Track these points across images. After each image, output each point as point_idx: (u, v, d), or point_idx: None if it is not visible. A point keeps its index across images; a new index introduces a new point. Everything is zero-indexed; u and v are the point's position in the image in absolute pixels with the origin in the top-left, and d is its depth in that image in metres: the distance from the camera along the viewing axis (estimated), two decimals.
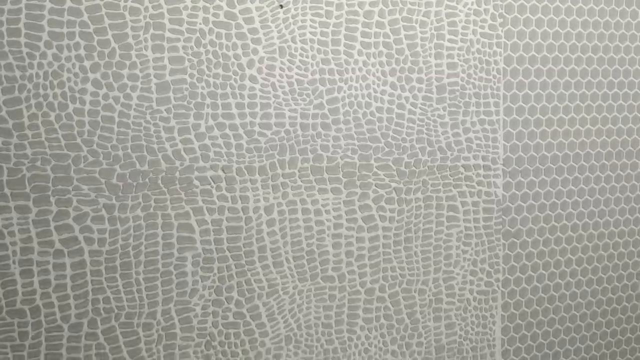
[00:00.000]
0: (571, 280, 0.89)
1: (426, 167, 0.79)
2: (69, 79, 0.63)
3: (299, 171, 0.73)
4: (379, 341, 0.79)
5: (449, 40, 0.78)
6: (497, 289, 0.84)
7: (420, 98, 0.77)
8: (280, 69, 0.71)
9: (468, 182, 0.81)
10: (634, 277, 0.93)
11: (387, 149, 0.77)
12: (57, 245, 0.64)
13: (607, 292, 0.91)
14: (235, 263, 0.72)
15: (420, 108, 0.78)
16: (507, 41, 0.81)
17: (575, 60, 0.85)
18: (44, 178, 0.63)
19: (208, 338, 0.71)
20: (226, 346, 0.72)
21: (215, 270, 0.71)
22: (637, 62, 0.89)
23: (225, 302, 0.71)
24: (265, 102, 0.71)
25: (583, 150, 0.87)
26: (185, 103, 0.68)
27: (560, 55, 0.84)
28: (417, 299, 0.80)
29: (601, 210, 0.89)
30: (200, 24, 0.67)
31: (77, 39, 0.63)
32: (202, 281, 0.70)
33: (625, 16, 0.88)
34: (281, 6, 0.69)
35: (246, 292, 0.72)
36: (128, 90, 0.65)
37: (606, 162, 0.89)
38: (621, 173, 0.90)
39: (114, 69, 0.65)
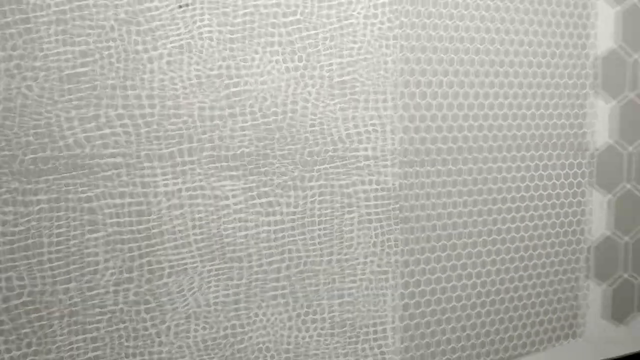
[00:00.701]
0: (466, 261, 0.97)
1: (325, 157, 0.86)
2: None
3: (203, 158, 0.79)
4: (284, 317, 0.85)
5: (347, 41, 0.85)
6: (396, 268, 0.92)
7: (319, 93, 0.84)
8: (187, 63, 0.76)
9: (366, 171, 0.88)
10: (507, 262, 1.02)
11: (288, 139, 0.83)
12: None
13: (499, 273, 1.00)
14: (145, 243, 0.77)
15: (320, 102, 0.84)
16: (402, 42, 0.89)
17: (466, 61, 0.94)
18: None
19: (114, 314, 0.76)
20: (135, 323, 0.77)
21: (126, 250, 0.76)
22: (516, 63, 0.99)
23: (136, 280, 0.77)
24: (171, 93, 0.76)
25: (475, 143, 0.96)
26: (85, 94, 0.73)
27: (453, 56, 0.93)
28: (321, 277, 0.87)
29: (493, 199, 0.98)
30: (106, 20, 0.72)
31: None
32: (112, 260, 0.75)
33: (507, 12, 0.97)
34: (180, 6, 0.75)
35: (155, 270, 0.77)
36: (29, 82, 0.70)
37: (497, 154, 0.98)
38: (511, 165, 0.99)
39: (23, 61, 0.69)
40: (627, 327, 1.17)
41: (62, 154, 0.72)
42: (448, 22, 0.92)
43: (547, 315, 1.07)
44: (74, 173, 0.72)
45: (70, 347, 0.74)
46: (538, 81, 1.00)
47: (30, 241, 0.71)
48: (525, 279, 1.03)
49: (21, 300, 0.71)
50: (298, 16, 0.82)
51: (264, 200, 0.83)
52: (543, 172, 1.03)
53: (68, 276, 0.73)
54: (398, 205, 0.91)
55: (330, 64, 0.84)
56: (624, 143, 1.12)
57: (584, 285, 1.10)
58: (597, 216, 1.11)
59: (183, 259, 0.79)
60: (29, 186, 0.70)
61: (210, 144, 0.79)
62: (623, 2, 1.08)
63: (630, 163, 1.14)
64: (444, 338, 0.97)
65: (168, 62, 0.75)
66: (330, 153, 0.86)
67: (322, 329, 0.88)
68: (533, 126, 1.01)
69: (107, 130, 0.73)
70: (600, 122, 1.09)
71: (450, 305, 0.97)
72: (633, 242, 1.16)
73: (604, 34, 1.07)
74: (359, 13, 0.86)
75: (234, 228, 0.81)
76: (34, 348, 0.73)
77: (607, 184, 1.11)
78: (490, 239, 0.99)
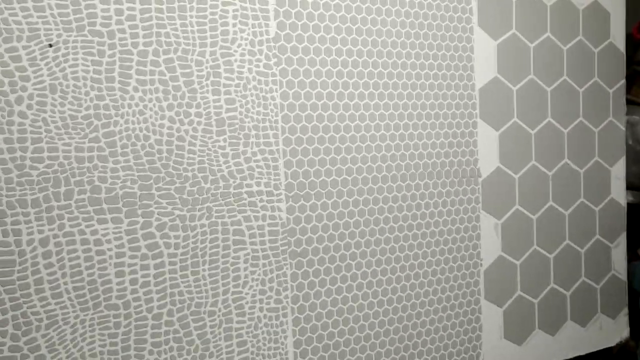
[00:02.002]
0: (357, 293, 0.98)
1: (210, 195, 0.84)
2: None
3: (75, 202, 0.75)
4: None
5: (226, 78, 0.85)
6: (286, 305, 0.91)
7: (200, 130, 0.83)
8: (52, 104, 0.74)
9: (252, 207, 0.88)
10: (407, 289, 1.04)
11: (168, 179, 0.81)
12: None
13: (392, 302, 1.01)
14: (9, 297, 0.72)
15: (201, 140, 0.83)
16: (282, 78, 0.90)
17: (347, 95, 0.96)
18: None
19: None
20: None
21: None
22: (403, 95, 1.02)
23: (0, 337, 0.71)
24: (36, 136, 0.73)
25: (360, 175, 0.98)
26: None
27: (333, 92, 0.95)
28: (207, 320, 0.85)
29: (381, 228, 1.00)
30: None
31: None
32: None
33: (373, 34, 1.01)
34: (50, 45, 0.73)
35: (22, 325, 0.73)
36: None
37: (382, 185, 1.00)
38: (395, 194, 1.02)
39: None
40: (526, 347, 1.21)
41: None
42: (326, 57, 0.94)
43: (451, 339, 1.09)
44: None
45: None
46: (427, 112, 1.04)
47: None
48: (427, 304, 1.05)
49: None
50: (172, 54, 0.81)
51: (144, 242, 0.80)
52: (438, 199, 1.07)
53: None
54: (286, 241, 0.91)
55: (213, 101, 0.84)
56: (509, 169, 1.18)
57: (482, 307, 1.13)
58: (489, 239, 1.15)
59: (54, 310, 0.74)
60: None
61: (86, 187, 0.75)
62: (502, 35, 1.15)
63: (517, 187, 1.20)
64: None
65: (29, 105, 0.72)
66: (218, 190, 0.85)
67: None
68: (425, 155, 1.04)
69: None
70: (488, 149, 1.14)
71: (344, 339, 0.97)
72: (520, 263, 1.21)
73: (485, 65, 1.13)
74: (236, 51, 0.86)
75: (110, 274, 0.78)
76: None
77: (495, 208, 1.16)
78: (383, 268, 1.00)
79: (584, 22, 1.29)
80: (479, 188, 1.13)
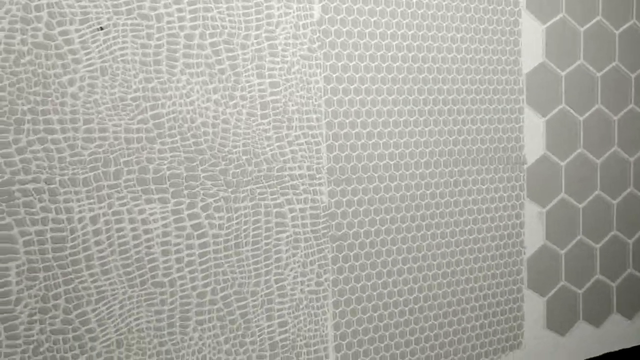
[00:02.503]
0: (398, 278, 0.98)
1: (253, 177, 0.85)
2: None
3: (124, 182, 0.78)
4: (212, 341, 0.84)
5: (270, 62, 0.86)
6: (327, 287, 0.92)
7: (245, 114, 0.84)
8: (103, 86, 0.76)
9: (294, 190, 0.89)
10: (449, 275, 1.03)
11: (213, 160, 0.83)
12: None
13: (432, 288, 1.01)
14: (62, 272, 0.75)
15: (245, 123, 0.84)
16: (325, 62, 0.90)
17: (391, 79, 0.95)
18: None
19: (35, 344, 0.74)
20: (55, 352, 0.75)
21: (41, 279, 0.74)
22: (448, 79, 1.01)
23: (52, 310, 0.74)
24: (87, 117, 0.75)
25: (402, 160, 0.97)
26: (5, 119, 0.71)
27: (376, 75, 0.94)
28: (249, 300, 0.86)
29: (423, 214, 0.99)
30: (18, 44, 0.71)
31: None
32: (27, 290, 0.73)
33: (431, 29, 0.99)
34: (101, 28, 0.75)
35: (74, 299, 0.75)
36: None
37: (425, 170, 0.99)
38: (438, 180, 1.01)
39: None
40: (569, 337, 1.19)
41: None
42: (370, 40, 0.94)
43: (492, 327, 1.08)
44: None
45: None
46: (472, 97, 1.03)
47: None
48: (468, 291, 1.04)
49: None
50: (218, 38, 0.82)
51: (189, 223, 0.82)
52: (482, 186, 1.05)
53: None
54: (327, 224, 0.91)
55: (257, 84, 0.85)
56: (556, 156, 1.15)
57: (524, 296, 1.12)
58: (533, 228, 1.13)
59: (103, 285, 0.77)
60: None
61: (134, 167, 0.78)
62: (550, 19, 1.12)
63: (563, 175, 1.17)
64: (378, 356, 0.97)
65: (81, 87, 0.74)
66: (261, 172, 0.86)
67: (260, 350, 0.87)
68: (470, 141, 1.03)
69: (27, 155, 0.72)
70: (534, 135, 1.12)
71: (383, 323, 0.97)
72: (565, 253, 1.19)
73: (532, 49, 1.10)
74: (280, 34, 0.86)
75: (156, 253, 0.80)
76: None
77: (540, 196, 1.13)
78: (424, 254, 1.00)
79: (639, 4, 1.24)
80: (524, 175, 1.11)
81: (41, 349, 0.74)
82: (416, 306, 1.00)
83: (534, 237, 1.13)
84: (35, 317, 0.73)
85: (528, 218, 1.12)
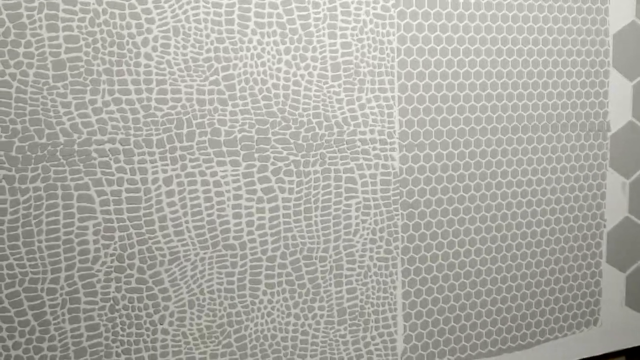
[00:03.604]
0: (470, 248, 0.94)
1: (323, 141, 0.84)
2: None
3: (196, 144, 0.77)
4: (281, 305, 0.84)
5: (342, 21, 0.83)
6: (396, 255, 0.90)
7: (316, 75, 0.82)
8: (175, 47, 0.75)
9: (365, 155, 0.86)
10: (523, 247, 0.99)
11: (284, 124, 0.81)
12: None
13: (506, 260, 0.97)
14: (136, 232, 0.76)
15: (316, 85, 0.82)
16: (399, 21, 0.86)
17: (468, 39, 0.91)
18: None
19: (112, 302, 0.76)
20: (130, 310, 0.76)
21: (117, 239, 0.75)
22: (529, 40, 0.95)
23: (128, 269, 0.76)
24: (161, 78, 0.75)
25: (479, 125, 0.93)
26: (81, 79, 0.72)
27: (453, 35, 0.89)
28: (318, 265, 0.85)
29: (498, 183, 0.95)
30: (93, 4, 0.71)
31: None
32: (103, 249, 0.74)
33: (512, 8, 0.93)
34: None
35: (148, 260, 0.77)
36: (24, 68, 0.69)
37: (502, 137, 0.95)
38: (515, 147, 0.96)
39: (9, 47, 0.68)
40: None
41: (58, 140, 0.71)
42: None
43: (567, 302, 1.04)
44: (69, 159, 0.72)
45: (66, 334, 0.74)
46: (554, 59, 0.96)
47: (20, 230, 0.71)
48: (543, 264, 1.00)
49: (23, 287, 0.71)
50: None
51: (260, 186, 0.81)
52: (562, 154, 1.00)
53: (66, 264, 0.73)
54: (398, 191, 0.89)
55: (328, 45, 0.82)
56: None
57: (602, 271, 1.06)
58: (615, 199, 1.06)
59: (176, 247, 0.78)
60: (25, 173, 0.70)
61: (206, 129, 0.77)
62: None
63: None
64: (447, 327, 0.94)
65: (154, 47, 0.74)
66: (332, 136, 0.84)
67: (329, 316, 0.86)
68: (550, 105, 0.97)
69: (103, 116, 0.72)
70: (620, 100, 1.04)
71: (453, 293, 0.94)
72: None
73: (621, 6, 1.02)
74: None
75: (227, 215, 0.80)
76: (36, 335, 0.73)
77: (624, 166, 1.07)
78: (498, 224, 0.96)
79: None
80: (607, 143, 1.04)
81: (117, 307, 0.76)
82: (488, 277, 0.96)
83: (615, 209, 1.07)
84: (111, 276, 0.75)
85: (610, 189, 1.06)
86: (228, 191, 0.79)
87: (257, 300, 0.82)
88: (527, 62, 0.95)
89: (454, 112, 0.91)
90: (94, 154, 0.73)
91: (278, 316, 0.84)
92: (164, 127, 0.75)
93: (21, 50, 0.69)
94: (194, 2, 0.75)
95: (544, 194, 0.99)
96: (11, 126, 0.69)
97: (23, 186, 0.70)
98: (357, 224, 0.87)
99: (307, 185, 0.83)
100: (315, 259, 0.85)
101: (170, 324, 0.78)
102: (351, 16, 0.83)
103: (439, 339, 0.94)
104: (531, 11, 0.95)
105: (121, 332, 0.76)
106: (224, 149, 0.79)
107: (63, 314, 0.74)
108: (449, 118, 0.91)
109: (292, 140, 0.82)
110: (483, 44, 0.92)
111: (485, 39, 0.92)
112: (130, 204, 0.75)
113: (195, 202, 0.78)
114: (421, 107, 0.89)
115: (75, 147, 0.72)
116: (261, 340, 0.83)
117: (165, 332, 0.78)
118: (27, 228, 0.71)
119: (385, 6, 0.85)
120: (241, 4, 0.78)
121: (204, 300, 0.79)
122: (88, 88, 0.72)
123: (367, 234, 0.87)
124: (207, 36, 0.76)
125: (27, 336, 0.72)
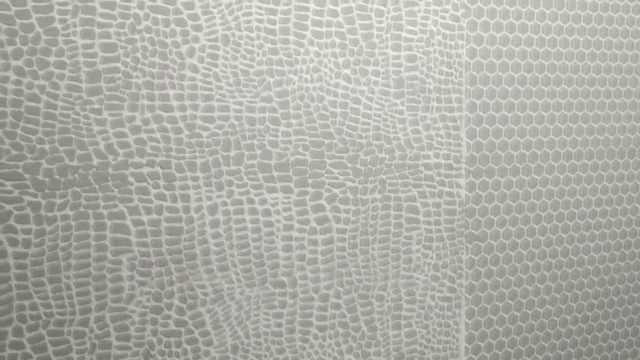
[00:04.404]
0: (539, 285, 0.84)
1: (383, 165, 0.74)
2: None
3: (245, 168, 0.68)
4: (333, 350, 0.74)
5: (408, 31, 0.74)
6: (460, 294, 0.80)
7: (377, 92, 0.73)
8: (224, 58, 0.66)
9: (429, 182, 0.77)
10: (605, 283, 0.89)
11: (341, 146, 0.72)
12: None
13: (577, 299, 0.87)
14: (176, 267, 0.67)
15: (377, 102, 0.73)
16: (469, 33, 0.77)
17: (542, 54, 0.82)
18: None
19: (146, 347, 0.66)
20: (166, 355, 0.67)
21: (154, 275, 0.66)
22: (607, 55, 0.86)
23: (165, 309, 0.66)
24: (207, 93, 0.66)
25: (552, 149, 0.83)
26: (118, 93, 0.63)
27: (526, 49, 0.81)
28: (375, 305, 0.76)
29: (570, 213, 0.85)
30: (134, 8, 0.63)
31: None
32: (139, 286, 0.65)
33: (596, 8, 0.84)
34: None
35: (188, 299, 0.67)
36: (55, 79, 0.60)
37: (576, 162, 0.85)
38: (592, 174, 0.86)
39: (39, 55, 0.60)
40: None
41: (91, 163, 0.62)
42: (521, 8, 0.80)
43: None
44: (103, 184, 0.63)
45: None
46: (633, 77, 0.87)
47: (45, 264, 0.62)
48: (616, 303, 0.90)
49: (47, 330, 0.62)
50: (351, 2, 0.71)
51: (313, 215, 0.72)
52: (638, 182, 0.90)
53: (97, 303, 0.64)
54: (464, 222, 0.79)
55: (392, 57, 0.73)
56: None
57: None
58: None
59: (219, 284, 0.68)
60: (53, 200, 0.61)
61: (256, 151, 0.68)
62: None
63: None
64: None
65: (200, 58, 0.65)
66: (392, 160, 0.74)
67: None
68: (627, 129, 0.87)
69: (142, 135, 0.63)
70: None
71: (520, 337, 0.84)
72: None
73: None
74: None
75: (277, 248, 0.70)
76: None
77: None
78: (569, 258, 0.86)
79: None
80: None
81: (152, 352, 0.66)
82: (557, 318, 0.86)
83: None
84: (147, 317, 0.66)
85: None
86: (278, 221, 0.70)
87: (307, 345, 0.73)
88: (615, 80, 0.86)
89: (525, 134, 0.82)
90: (131, 179, 0.64)
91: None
92: (209, 148, 0.66)
93: (52, 59, 0.60)
94: (245, 8, 0.67)
95: (618, 226, 0.90)
96: (38, 146, 0.60)
97: (50, 214, 0.61)
98: (418, 259, 0.77)
99: (364, 215, 0.74)
100: (372, 297, 0.75)
101: None
102: (417, 26, 0.74)
103: None
104: (610, 22, 0.86)
105: None
106: (275, 173, 0.70)
107: None
108: (520, 141, 0.81)
109: (349, 164, 0.73)
110: (558, 59, 0.83)
111: (560, 53, 0.83)
112: (170, 234, 0.66)
113: (242, 232, 0.69)
114: (490, 128, 0.80)
115: (110, 170, 0.63)
116: None
117: None
118: (54, 262, 0.62)
119: (455, 15, 0.76)
120: (297, 11, 0.69)
121: (248, 344, 0.70)
122: (126, 103, 0.63)
123: (429, 269, 0.78)
124: (260, 46, 0.68)
125: None
